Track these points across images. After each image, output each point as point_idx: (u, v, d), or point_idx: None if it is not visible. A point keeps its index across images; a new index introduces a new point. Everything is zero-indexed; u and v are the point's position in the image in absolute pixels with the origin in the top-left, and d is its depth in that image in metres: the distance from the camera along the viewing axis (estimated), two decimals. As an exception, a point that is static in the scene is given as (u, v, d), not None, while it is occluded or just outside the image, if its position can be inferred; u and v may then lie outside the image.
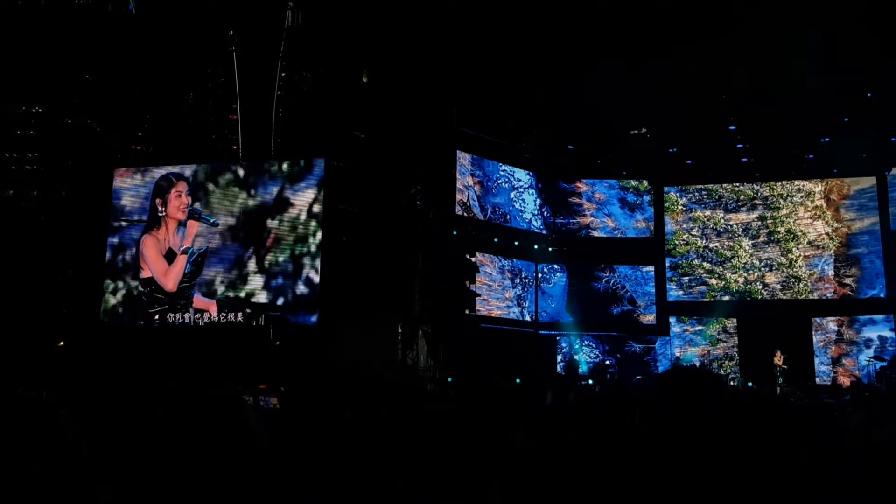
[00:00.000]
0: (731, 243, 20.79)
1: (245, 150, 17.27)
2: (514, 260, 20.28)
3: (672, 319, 20.89)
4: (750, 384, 17.56)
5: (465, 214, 18.77)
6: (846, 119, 17.99)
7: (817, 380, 19.22)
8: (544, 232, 21.05)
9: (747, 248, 20.63)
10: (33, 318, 15.07)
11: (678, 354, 20.10)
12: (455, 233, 18.33)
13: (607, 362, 20.29)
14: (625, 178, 21.19)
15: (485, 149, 19.69)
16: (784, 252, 20.31)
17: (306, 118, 17.38)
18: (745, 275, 20.59)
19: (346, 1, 16.82)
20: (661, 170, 20.87)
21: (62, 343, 15.16)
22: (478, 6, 16.52)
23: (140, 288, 15.59)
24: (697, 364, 19.52)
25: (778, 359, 17.71)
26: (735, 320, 20.29)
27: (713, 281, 20.80)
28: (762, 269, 20.50)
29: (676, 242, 21.12)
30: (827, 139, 18.84)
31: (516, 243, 20.19)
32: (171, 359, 13.27)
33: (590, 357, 20.56)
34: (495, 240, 19.63)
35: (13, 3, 16.33)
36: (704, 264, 20.97)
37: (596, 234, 21.28)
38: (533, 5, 16.76)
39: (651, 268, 21.09)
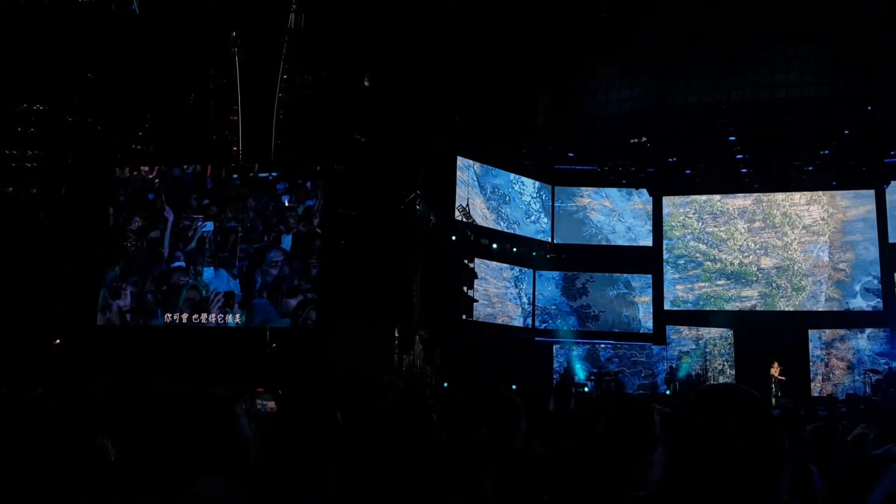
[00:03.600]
0: (728, 227, 20.83)
1: (245, 152, 17.26)
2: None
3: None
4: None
5: (465, 220, 18.77)
6: (846, 132, 18.02)
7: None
8: (542, 215, 21.10)
9: (743, 230, 20.66)
10: (31, 315, 15.03)
11: (673, 365, 20.06)
12: (454, 238, 18.33)
13: (606, 357, 20.32)
14: (624, 187, 21.21)
15: (486, 155, 19.72)
16: (780, 235, 20.33)
17: (307, 120, 17.39)
18: (741, 257, 20.61)
19: (348, 4, 16.83)
20: (661, 179, 20.88)
21: (59, 341, 15.12)
22: (480, 13, 16.54)
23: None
24: (693, 374, 19.52)
25: (775, 370, 17.69)
26: (731, 331, 20.28)
27: (708, 263, 20.84)
28: (757, 251, 20.53)
29: (673, 224, 21.16)
30: (827, 152, 18.86)
31: (514, 250, 20.20)
32: (168, 359, 13.24)
33: (584, 357, 20.56)
34: (494, 246, 19.62)
35: (16, 1, 16.33)
36: (700, 246, 20.99)
37: (594, 215, 21.29)
38: (534, 13, 16.78)
39: (650, 276, 21.12)
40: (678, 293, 20.99)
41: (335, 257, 16.00)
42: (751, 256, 20.52)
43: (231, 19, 17.07)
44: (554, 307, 21.01)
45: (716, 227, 20.93)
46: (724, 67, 17.69)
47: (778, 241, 20.33)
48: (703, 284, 20.84)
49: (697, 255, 20.96)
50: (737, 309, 20.43)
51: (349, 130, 17.14)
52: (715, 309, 20.56)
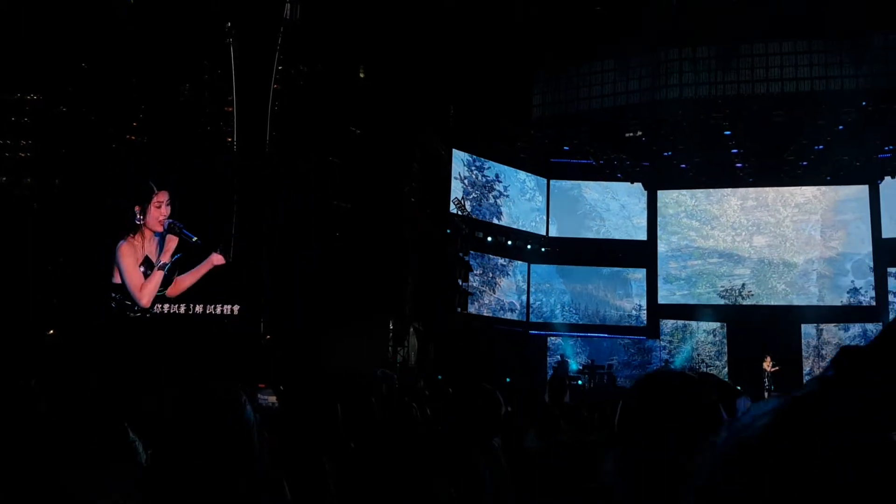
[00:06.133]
0: (721, 204, 20.93)
1: (240, 143, 17.20)
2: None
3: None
4: (738, 388, 17.59)
5: (460, 213, 18.78)
6: (840, 127, 18.05)
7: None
8: (537, 193, 21.18)
9: (735, 207, 20.79)
10: (23, 306, 15.00)
11: (667, 359, 20.14)
12: (448, 231, 18.34)
13: (600, 350, 20.39)
14: (619, 181, 21.25)
15: (481, 148, 19.76)
16: (772, 212, 20.47)
17: (302, 112, 17.34)
18: (733, 234, 20.73)
19: (344, -4, 16.78)
20: (656, 174, 20.91)
21: (52, 332, 15.09)
22: (474, 6, 16.51)
23: (111, 294, 15.37)
24: (686, 367, 19.58)
25: (767, 364, 17.77)
26: (724, 325, 20.36)
27: (701, 240, 20.96)
28: (749, 228, 20.64)
29: (666, 201, 21.24)
30: (821, 147, 18.90)
31: (509, 243, 20.22)
32: (161, 351, 13.19)
33: (577, 350, 20.62)
34: (489, 239, 19.65)
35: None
36: (693, 223, 21.09)
37: (588, 193, 21.38)
38: (529, 6, 16.75)
39: (644, 270, 21.16)
40: (671, 270, 21.08)
41: (330, 249, 15.97)
42: (743, 234, 20.66)
43: (226, 10, 17.00)
44: (547, 286, 21.10)
45: (709, 204, 21.05)
46: (718, 62, 17.67)
47: (770, 219, 20.47)
48: (695, 262, 20.95)
49: (690, 231, 21.07)
50: (728, 287, 20.51)
51: (344, 123, 17.11)
52: (707, 287, 20.67)
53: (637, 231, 21.24)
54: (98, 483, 1.80)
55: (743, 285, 20.29)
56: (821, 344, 19.58)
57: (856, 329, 19.20)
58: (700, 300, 20.54)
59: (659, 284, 20.91)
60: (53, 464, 1.81)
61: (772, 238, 20.34)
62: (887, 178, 19.70)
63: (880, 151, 19.02)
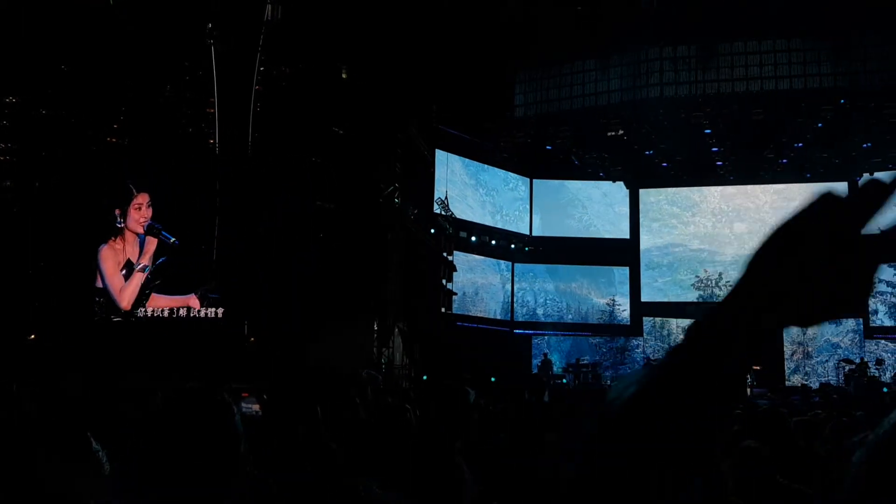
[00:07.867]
0: (701, 191, 21.14)
1: (221, 145, 17.11)
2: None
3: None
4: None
5: (444, 213, 18.80)
6: (819, 125, 18.23)
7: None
8: (519, 184, 21.30)
9: (716, 193, 21.02)
10: (4, 310, 14.84)
11: (651, 357, 20.23)
12: (433, 231, 18.35)
13: (584, 348, 20.47)
14: (601, 180, 21.34)
15: (464, 148, 19.78)
16: (751, 198, 20.69)
17: (284, 113, 17.28)
18: (714, 219, 20.94)
19: (326, -4, 16.74)
20: (638, 173, 21.02)
21: (33, 336, 14.94)
22: (456, 6, 16.53)
23: (96, 297, 15.26)
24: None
25: (749, 361, 17.86)
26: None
27: (681, 226, 21.15)
28: (730, 213, 20.86)
29: (647, 188, 21.43)
30: (800, 144, 19.08)
31: (493, 242, 20.26)
32: (145, 355, 13.11)
33: (562, 349, 20.69)
34: (473, 239, 19.67)
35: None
36: (674, 209, 21.28)
37: (572, 184, 21.52)
38: (510, 5, 16.79)
39: (627, 268, 21.27)
40: (653, 257, 21.24)
41: (313, 250, 15.93)
42: (723, 220, 20.88)
43: (207, 10, 16.91)
44: (531, 284, 21.18)
45: (689, 191, 21.25)
46: (698, 61, 17.80)
47: (750, 205, 20.69)
48: (677, 248, 21.13)
49: (672, 219, 21.25)
50: (704, 277, 20.66)
51: (327, 123, 17.06)
52: (689, 273, 20.83)
53: (619, 219, 21.38)
54: (74, 486, 1.79)
55: (720, 274, 20.44)
56: (805, 340, 19.70)
57: (850, 323, 19.20)
58: (682, 286, 20.68)
59: (641, 272, 21.08)
60: (35, 467, 1.81)
61: (751, 223, 20.54)
62: (865, 175, 19.92)
63: (858, 149, 19.22)
